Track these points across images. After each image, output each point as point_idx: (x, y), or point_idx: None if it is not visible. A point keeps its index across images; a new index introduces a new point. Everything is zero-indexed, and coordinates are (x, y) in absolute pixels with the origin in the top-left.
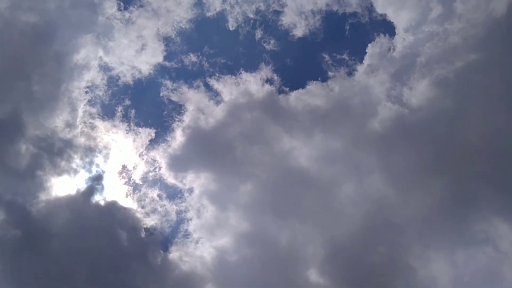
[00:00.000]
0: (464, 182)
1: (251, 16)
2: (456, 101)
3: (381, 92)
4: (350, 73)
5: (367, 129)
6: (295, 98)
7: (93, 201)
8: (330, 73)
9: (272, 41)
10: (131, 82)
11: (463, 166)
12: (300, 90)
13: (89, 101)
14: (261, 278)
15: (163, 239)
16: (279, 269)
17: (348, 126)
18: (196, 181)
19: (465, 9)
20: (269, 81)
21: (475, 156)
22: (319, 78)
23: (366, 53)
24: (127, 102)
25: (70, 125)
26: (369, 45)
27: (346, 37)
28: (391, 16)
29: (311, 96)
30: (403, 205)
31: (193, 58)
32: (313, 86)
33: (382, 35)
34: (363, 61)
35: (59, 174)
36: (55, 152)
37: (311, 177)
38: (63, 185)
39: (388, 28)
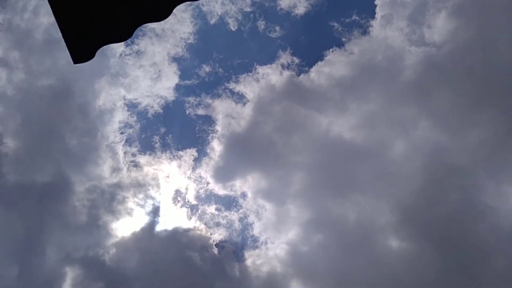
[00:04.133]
0: None
1: (248, 9)
2: (479, 26)
3: (402, 40)
4: (365, 32)
5: (399, 81)
6: (316, 73)
7: (157, 233)
8: (344, 39)
9: (277, 28)
10: (161, 111)
11: (508, 91)
12: (320, 63)
13: (126, 141)
14: (342, 259)
15: (235, 250)
16: (357, 246)
17: (379, 85)
18: (245, 185)
19: None
20: (285, 66)
21: None
22: (335, 46)
23: (376, 6)
24: (162, 131)
25: (115, 169)
26: None
27: None
28: None
29: (332, 65)
30: (460, 146)
31: (206, 68)
32: (331, 56)
33: None
34: (375, 15)
35: (118, 217)
36: (108, 198)
37: (358, 148)
38: (125, 226)
39: None
